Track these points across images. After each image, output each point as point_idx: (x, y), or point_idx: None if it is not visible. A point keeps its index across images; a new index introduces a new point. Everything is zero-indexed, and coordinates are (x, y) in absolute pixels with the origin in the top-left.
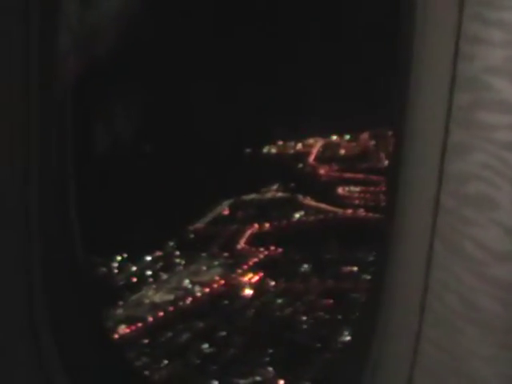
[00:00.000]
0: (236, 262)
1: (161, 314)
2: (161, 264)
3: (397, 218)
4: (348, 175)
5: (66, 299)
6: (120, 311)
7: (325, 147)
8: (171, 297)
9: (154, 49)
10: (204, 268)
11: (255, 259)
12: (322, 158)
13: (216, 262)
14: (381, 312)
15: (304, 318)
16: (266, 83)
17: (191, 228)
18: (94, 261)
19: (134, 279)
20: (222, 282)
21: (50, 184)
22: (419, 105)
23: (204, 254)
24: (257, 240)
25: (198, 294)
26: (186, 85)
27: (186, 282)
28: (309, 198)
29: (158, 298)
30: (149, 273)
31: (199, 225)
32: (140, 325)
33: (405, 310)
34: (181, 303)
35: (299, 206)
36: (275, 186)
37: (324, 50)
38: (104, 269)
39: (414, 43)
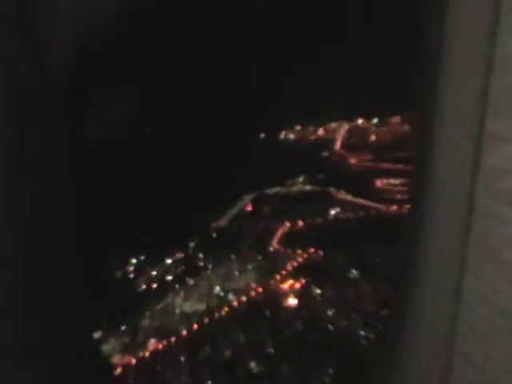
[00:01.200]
0: (272, 266)
1: (195, 326)
2: (183, 268)
3: (425, 218)
4: (383, 165)
5: (59, 326)
6: (146, 322)
7: (351, 133)
8: (203, 306)
9: (161, 32)
10: (236, 273)
11: (294, 263)
12: (350, 146)
13: (249, 266)
14: (407, 325)
15: (361, 330)
16: (281, 63)
17: (213, 226)
18: (109, 264)
19: (155, 285)
20: (260, 289)
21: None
22: (451, 91)
23: (233, 257)
24: (290, 240)
25: (235, 303)
26: (196, 68)
27: (217, 288)
28: (343, 191)
29: (189, 307)
30: (171, 277)
31: (222, 223)
32: (173, 339)
33: (434, 321)
34: (216, 314)
35: (333, 201)
36: (301, 178)
37: (348, 28)
38: (119, 273)
39: (447, 24)
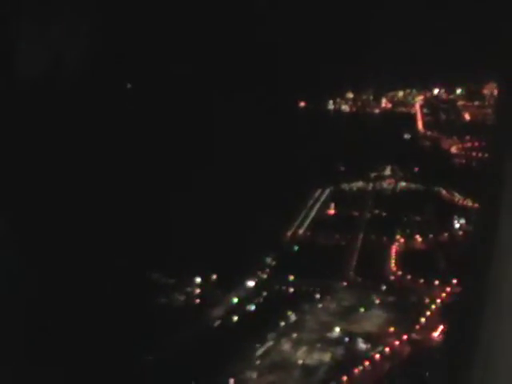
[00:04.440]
0: (401, 301)
1: None
2: (265, 294)
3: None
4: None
5: None
6: (250, 374)
7: (432, 107)
8: (327, 357)
9: None
10: (361, 309)
11: (437, 300)
12: (437, 125)
13: (375, 299)
14: None
15: None
16: None
17: (289, 235)
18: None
19: (237, 317)
20: (404, 336)
21: None
22: None
23: (343, 284)
24: (414, 265)
25: (376, 356)
26: None
27: (337, 330)
28: (457, 194)
29: (306, 355)
30: (254, 307)
31: (300, 231)
32: None
33: None
34: (355, 370)
35: (450, 208)
36: (387, 171)
37: None
38: (180, 296)
39: None
